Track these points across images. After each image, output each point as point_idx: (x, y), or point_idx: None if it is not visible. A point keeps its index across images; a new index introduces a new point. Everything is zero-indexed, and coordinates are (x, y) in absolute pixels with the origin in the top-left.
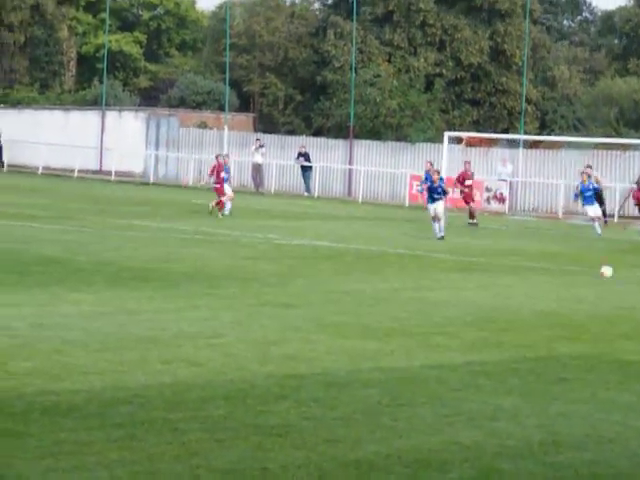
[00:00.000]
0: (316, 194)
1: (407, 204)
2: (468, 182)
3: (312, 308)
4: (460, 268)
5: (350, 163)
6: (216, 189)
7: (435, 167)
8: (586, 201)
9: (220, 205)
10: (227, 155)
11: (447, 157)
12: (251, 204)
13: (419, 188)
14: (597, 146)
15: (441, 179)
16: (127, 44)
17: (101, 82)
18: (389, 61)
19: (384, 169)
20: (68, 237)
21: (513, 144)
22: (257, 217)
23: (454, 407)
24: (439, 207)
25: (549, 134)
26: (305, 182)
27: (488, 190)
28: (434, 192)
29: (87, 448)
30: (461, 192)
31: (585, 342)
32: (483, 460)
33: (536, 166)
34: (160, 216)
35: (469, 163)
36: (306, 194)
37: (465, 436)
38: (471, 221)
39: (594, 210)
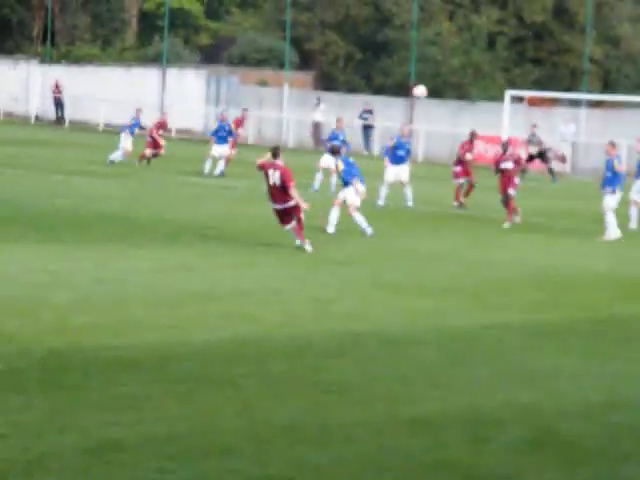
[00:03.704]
0: (375, 152)
1: None
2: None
3: (368, 266)
4: (518, 228)
5: (410, 122)
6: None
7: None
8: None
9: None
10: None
11: (509, 116)
12: (310, 162)
13: None
14: None
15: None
16: (188, 1)
17: (162, 39)
18: (451, 19)
19: (445, 128)
20: (128, 193)
21: (576, 104)
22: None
23: (512, 367)
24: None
25: (612, 94)
26: (365, 140)
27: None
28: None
29: (146, 403)
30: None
31: None
32: (541, 420)
33: (599, 126)
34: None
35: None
36: (365, 152)
37: (523, 396)
38: None
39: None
